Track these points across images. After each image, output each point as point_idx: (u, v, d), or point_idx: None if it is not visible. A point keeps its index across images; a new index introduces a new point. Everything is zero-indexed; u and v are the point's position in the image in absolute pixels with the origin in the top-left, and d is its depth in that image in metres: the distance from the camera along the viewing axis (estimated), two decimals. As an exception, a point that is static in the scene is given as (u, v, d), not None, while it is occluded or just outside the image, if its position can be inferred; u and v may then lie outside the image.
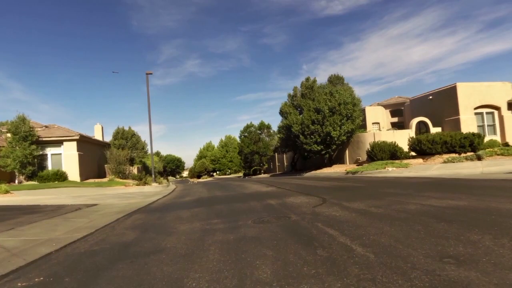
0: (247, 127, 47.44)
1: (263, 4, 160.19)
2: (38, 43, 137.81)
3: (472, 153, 15.93)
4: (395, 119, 29.09)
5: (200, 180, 60.37)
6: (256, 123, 48.73)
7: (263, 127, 47.98)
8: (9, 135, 24.36)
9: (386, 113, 29.58)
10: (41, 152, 26.14)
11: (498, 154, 15.07)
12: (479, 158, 14.66)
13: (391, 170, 15.87)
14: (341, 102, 22.07)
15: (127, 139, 35.53)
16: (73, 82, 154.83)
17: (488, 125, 22.93)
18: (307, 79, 24.79)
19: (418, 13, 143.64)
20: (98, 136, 35.85)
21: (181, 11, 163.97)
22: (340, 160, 25.23)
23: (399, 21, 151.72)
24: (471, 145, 17.06)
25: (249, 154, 47.28)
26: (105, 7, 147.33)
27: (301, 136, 23.28)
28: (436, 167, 14.37)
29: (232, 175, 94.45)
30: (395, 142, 19.98)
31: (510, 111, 22.60)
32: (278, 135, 30.00)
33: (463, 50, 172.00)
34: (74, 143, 25.79)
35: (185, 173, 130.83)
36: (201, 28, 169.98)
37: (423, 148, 18.03)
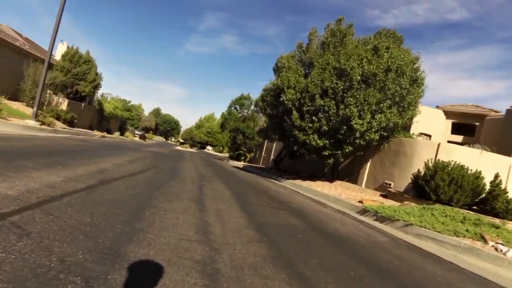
0: (240, 98, 36.49)
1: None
2: None
3: None
4: (458, 138, 18.10)
5: (182, 148, 50.27)
6: (255, 97, 37.70)
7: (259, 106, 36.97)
8: None
9: (446, 124, 18.61)
10: None
11: None
12: None
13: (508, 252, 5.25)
14: (392, 68, 11.19)
15: (76, 64, 24.99)
16: (116, 25, 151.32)
17: None
18: (339, 21, 13.70)
19: (473, 47, 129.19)
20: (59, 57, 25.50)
21: None
22: (350, 175, 14.53)
23: (451, 50, 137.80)
24: None
25: (233, 131, 36.74)
26: None
27: (294, 112, 12.53)
28: None
29: (223, 154, 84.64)
30: (479, 173, 9.23)
31: None
32: (259, 105, 19.07)
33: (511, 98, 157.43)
34: None
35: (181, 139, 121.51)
36: (249, 7, 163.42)
37: None
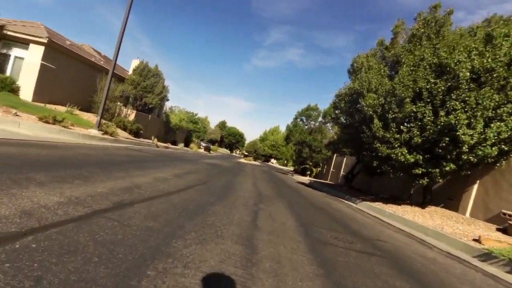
0: (307, 109, 34.37)
1: (387, 5, 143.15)
2: (173, 10, 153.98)
3: None
4: None
5: (245, 160, 50.00)
6: (323, 108, 35.26)
7: (330, 114, 34.29)
8: None
9: None
10: (4, 51, 17.81)
11: None
12: None
13: None
14: (515, 59, 8.32)
15: (145, 78, 26.02)
16: (188, 45, 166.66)
17: None
18: (434, 7, 10.98)
19: None
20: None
21: None
22: (446, 199, 11.48)
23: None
24: None
25: (298, 144, 34.71)
26: None
27: (375, 120, 10.21)
28: None
29: (288, 167, 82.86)
30: None
31: None
32: (330, 114, 16.73)
33: None
34: (41, 49, 16.73)
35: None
36: (315, 19, 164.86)
37: None
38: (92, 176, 4.75)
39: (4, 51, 16.87)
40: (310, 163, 36.83)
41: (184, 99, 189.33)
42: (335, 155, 32.16)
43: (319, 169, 41.27)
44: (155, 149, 17.15)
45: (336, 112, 14.77)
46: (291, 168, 70.03)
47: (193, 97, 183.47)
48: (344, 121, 13.46)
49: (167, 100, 29.77)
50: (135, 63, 26.43)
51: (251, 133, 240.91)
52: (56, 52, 17.23)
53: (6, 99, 12.73)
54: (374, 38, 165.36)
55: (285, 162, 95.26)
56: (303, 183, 20.41)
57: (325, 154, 32.24)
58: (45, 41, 16.11)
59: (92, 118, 17.63)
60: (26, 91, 16.05)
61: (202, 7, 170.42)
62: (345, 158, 28.48)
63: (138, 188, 4.71)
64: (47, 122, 10.83)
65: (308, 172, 36.69)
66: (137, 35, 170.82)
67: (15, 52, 16.87)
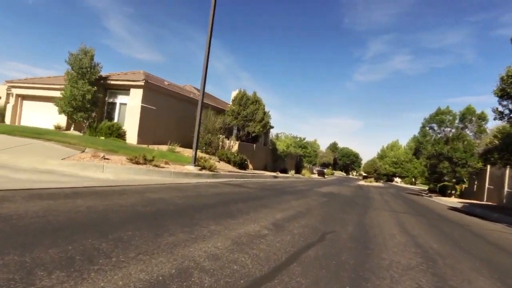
0: (438, 114, 27.62)
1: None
2: (265, 40, 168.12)
3: None
4: None
5: (366, 183, 44.87)
6: (457, 110, 27.97)
7: (470, 115, 26.62)
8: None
9: None
10: (111, 100, 19.71)
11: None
12: None
13: None
14: None
15: (245, 106, 25.37)
16: (286, 73, 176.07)
17: None
18: None
19: None
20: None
21: (397, 4, 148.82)
22: None
23: None
24: None
25: (433, 158, 27.97)
26: (320, 5, 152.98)
27: None
28: None
29: (417, 186, 71.73)
30: None
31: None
32: (496, 109, 11.15)
33: None
34: (140, 92, 17.66)
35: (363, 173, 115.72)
36: (417, 21, 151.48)
37: None
38: (111, 250, 2.44)
39: (111, 100, 18.10)
40: (453, 180, 29.36)
41: (290, 125, 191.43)
42: (488, 167, 24.50)
43: (464, 186, 32.76)
44: (261, 181, 15.09)
45: (505, 103, 9.92)
46: (423, 187, 59.53)
47: (299, 122, 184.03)
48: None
49: (270, 126, 28.30)
50: (234, 93, 26.03)
51: (366, 152, 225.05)
52: (155, 93, 17.55)
53: (110, 144, 12.68)
54: (494, 26, 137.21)
55: (413, 180, 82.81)
56: (456, 209, 15.03)
57: (473, 167, 24.88)
58: (142, 83, 16.49)
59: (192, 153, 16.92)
60: (132, 134, 16.48)
61: (296, 36, 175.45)
62: (508, 170, 21.03)
63: (192, 271, 2.16)
64: (137, 162, 9.82)
65: (450, 191, 29.16)
66: (237, 72, 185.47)
67: (119, 99, 17.90)
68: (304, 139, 41.71)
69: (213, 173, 12.20)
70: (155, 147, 17.48)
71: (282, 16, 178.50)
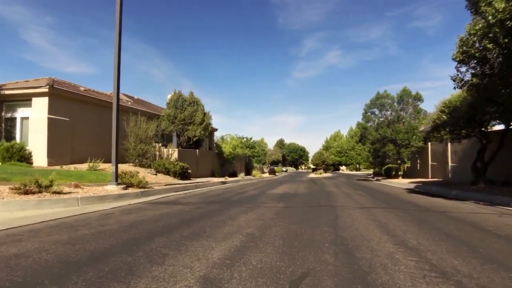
0: (378, 98, 27.95)
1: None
2: (206, 45, 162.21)
3: None
4: None
5: (316, 175, 44.75)
6: (395, 93, 28.57)
7: (406, 97, 27.34)
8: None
9: None
10: (9, 114, 15.86)
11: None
12: None
13: None
14: None
15: (182, 108, 22.76)
16: (229, 76, 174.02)
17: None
18: None
19: None
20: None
21: (325, 3, 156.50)
22: None
23: None
24: None
25: (377, 142, 28.22)
26: (255, 8, 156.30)
27: None
28: None
29: (361, 172, 74.64)
30: None
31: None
32: (455, 78, 10.34)
33: None
34: (44, 100, 14.20)
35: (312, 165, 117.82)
36: (345, 18, 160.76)
37: None
38: None
39: (9, 114, 14.52)
40: (399, 162, 30.01)
41: (238, 128, 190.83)
42: (429, 144, 25.17)
43: (406, 166, 33.90)
44: (205, 191, 12.93)
45: (462, 69, 9.12)
46: (367, 172, 61.85)
47: (246, 124, 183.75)
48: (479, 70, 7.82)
49: (213, 129, 26.13)
50: (169, 96, 23.38)
51: (313, 145, 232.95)
52: (67, 101, 14.40)
53: (2, 171, 9.57)
54: (410, 18, 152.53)
55: (357, 166, 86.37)
56: (410, 190, 14.42)
57: (416, 146, 25.40)
58: (45, 90, 13.28)
59: (123, 168, 14.15)
60: (39, 155, 13.21)
61: (235, 38, 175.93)
62: (449, 145, 21.50)
63: None
64: (26, 192, 7.09)
65: (395, 173, 29.80)
66: (179, 79, 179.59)
67: (20, 113, 14.40)
68: (251, 138, 40.17)
69: (142, 190, 9.75)
70: (73, 167, 14.34)
71: (219, 19, 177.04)
